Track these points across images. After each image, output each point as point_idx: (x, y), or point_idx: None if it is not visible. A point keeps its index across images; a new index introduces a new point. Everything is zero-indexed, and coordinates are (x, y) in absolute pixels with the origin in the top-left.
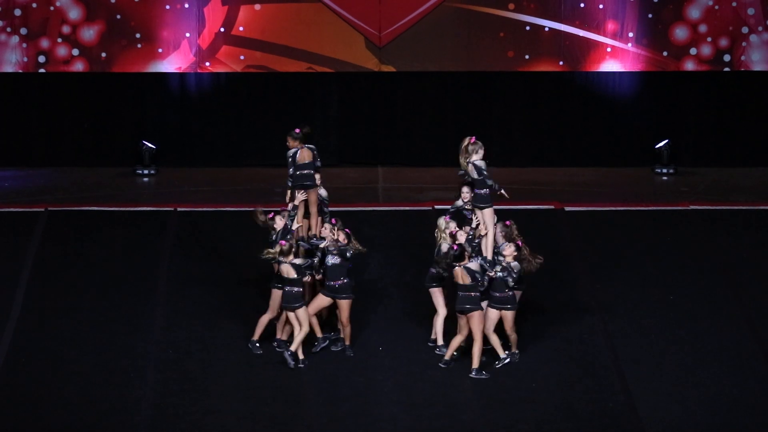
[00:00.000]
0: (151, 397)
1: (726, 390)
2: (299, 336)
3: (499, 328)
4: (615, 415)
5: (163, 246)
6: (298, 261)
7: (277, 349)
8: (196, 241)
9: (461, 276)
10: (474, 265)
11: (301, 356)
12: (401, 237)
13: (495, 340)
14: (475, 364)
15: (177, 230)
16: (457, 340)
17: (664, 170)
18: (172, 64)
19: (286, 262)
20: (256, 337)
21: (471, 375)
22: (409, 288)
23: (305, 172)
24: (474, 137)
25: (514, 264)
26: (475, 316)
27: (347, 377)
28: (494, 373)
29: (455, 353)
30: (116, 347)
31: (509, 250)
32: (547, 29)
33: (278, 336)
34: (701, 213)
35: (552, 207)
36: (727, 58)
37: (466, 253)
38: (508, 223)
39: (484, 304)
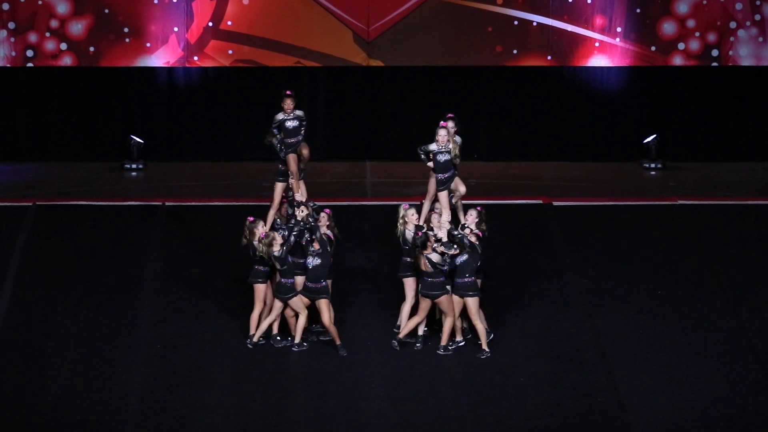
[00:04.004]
0: (138, 392)
1: (713, 386)
2: (300, 322)
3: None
4: (602, 411)
5: (151, 240)
6: (276, 252)
7: (249, 344)
8: (184, 235)
9: (424, 264)
10: (435, 256)
11: (297, 339)
12: (389, 232)
13: (457, 325)
14: (444, 341)
15: (165, 225)
16: (414, 321)
17: (652, 165)
18: (160, 58)
19: (272, 255)
20: (252, 331)
21: (438, 351)
22: (398, 283)
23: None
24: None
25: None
26: (443, 300)
27: (335, 373)
28: (482, 369)
29: (411, 339)
30: (104, 342)
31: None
32: (535, 24)
33: (252, 332)
34: (689, 208)
35: (540, 202)
36: (715, 53)
37: (428, 243)
38: (480, 209)
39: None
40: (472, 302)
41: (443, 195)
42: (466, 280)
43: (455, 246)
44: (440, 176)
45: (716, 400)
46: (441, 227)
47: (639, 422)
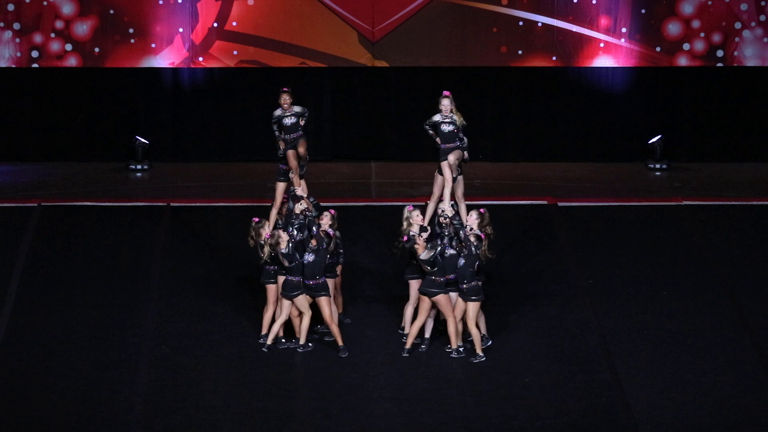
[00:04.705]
0: (143, 393)
1: (718, 386)
2: (304, 322)
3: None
4: (607, 411)
5: (156, 241)
6: (283, 249)
7: (264, 348)
8: (189, 236)
9: (422, 266)
10: (425, 254)
11: (302, 341)
12: (394, 232)
13: (459, 328)
14: (453, 344)
15: (170, 225)
16: (416, 326)
17: (657, 165)
18: (165, 59)
19: (280, 252)
20: (264, 331)
21: (451, 355)
22: (403, 284)
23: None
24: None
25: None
26: (440, 299)
27: (340, 373)
28: (487, 369)
29: (417, 339)
30: (109, 342)
31: (472, 219)
32: (540, 24)
33: (264, 332)
34: (694, 208)
35: (545, 202)
36: (720, 53)
37: (416, 245)
38: (482, 210)
39: (453, 295)
40: (472, 306)
41: (445, 165)
42: (466, 285)
43: (443, 235)
44: (443, 146)
45: (721, 401)
46: (443, 201)
47: (643, 422)
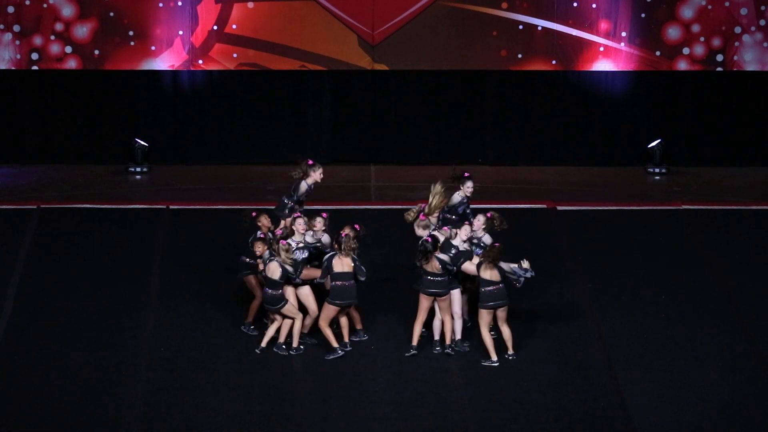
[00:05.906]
0: (142, 395)
1: (717, 391)
2: (296, 326)
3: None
4: (606, 416)
5: (156, 244)
6: (289, 268)
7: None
8: (189, 238)
9: (433, 265)
10: (444, 255)
11: (295, 344)
12: (393, 236)
13: (489, 342)
14: (447, 340)
15: (169, 228)
16: (418, 325)
17: (657, 170)
18: (165, 61)
19: (278, 261)
20: (249, 319)
21: (446, 351)
22: (402, 287)
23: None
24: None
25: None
26: (447, 299)
27: (339, 376)
28: (485, 373)
29: (424, 332)
30: (108, 345)
31: (478, 223)
32: (540, 28)
33: (295, 344)
34: (693, 213)
35: (544, 206)
36: (719, 58)
37: (438, 244)
38: (489, 215)
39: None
40: (455, 294)
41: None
42: (496, 288)
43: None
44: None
45: (720, 405)
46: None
47: (642, 427)
